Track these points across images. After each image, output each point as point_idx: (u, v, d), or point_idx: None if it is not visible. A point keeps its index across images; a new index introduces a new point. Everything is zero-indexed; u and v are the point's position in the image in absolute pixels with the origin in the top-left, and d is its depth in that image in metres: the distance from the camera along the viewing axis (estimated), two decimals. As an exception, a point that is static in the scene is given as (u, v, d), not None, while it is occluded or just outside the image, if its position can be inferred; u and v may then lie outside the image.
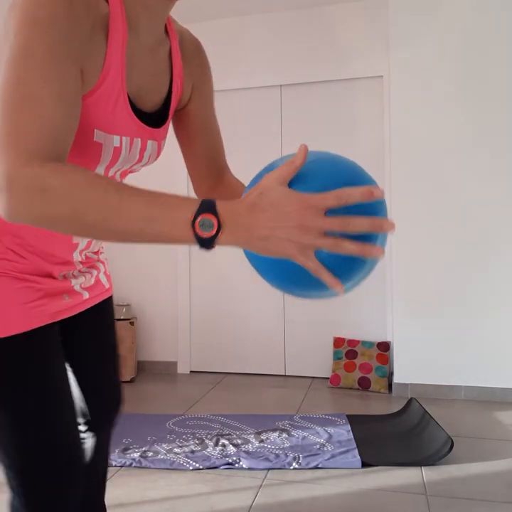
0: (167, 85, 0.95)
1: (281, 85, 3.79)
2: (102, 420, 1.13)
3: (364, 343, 3.54)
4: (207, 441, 2.53)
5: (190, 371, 3.94)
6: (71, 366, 1.07)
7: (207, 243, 0.64)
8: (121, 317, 3.72)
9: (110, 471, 2.27)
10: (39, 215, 0.66)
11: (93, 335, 1.09)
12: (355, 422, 2.80)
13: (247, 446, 2.47)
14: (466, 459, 2.33)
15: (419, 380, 3.27)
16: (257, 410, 3.05)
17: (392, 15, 3.29)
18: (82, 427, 1.11)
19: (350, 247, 0.63)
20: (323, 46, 3.66)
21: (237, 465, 2.28)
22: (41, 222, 0.67)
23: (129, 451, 2.41)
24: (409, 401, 2.93)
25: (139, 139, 0.89)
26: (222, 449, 2.43)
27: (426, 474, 2.20)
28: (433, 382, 3.25)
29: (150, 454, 2.39)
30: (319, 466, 2.27)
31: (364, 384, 3.41)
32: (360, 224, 0.62)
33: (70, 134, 0.71)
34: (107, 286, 1.11)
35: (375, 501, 1.99)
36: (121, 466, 2.30)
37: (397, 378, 3.31)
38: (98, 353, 1.11)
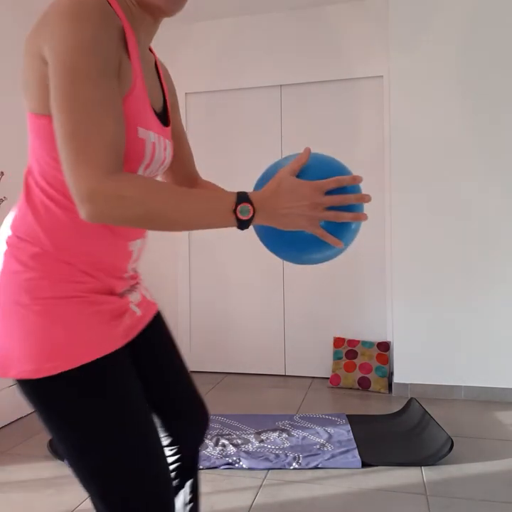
0: (161, 92, 1.07)
1: (281, 85, 3.79)
2: (190, 436, 1.15)
3: (364, 343, 3.54)
4: (207, 441, 2.53)
5: (190, 371, 3.94)
6: (148, 385, 1.09)
7: (245, 224, 0.84)
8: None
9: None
10: (118, 218, 0.80)
11: (160, 350, 1.13)
12: (355, 422, 2.80)
13: (247, 446, 2.47)
14: (466, 459, 2.33)
15: (419, 380, 3.27)
16: (257, 410, 3.05)
17: (392, 15, 3.29)
18: (168, 451, 1.13)
19: (347, 215, 0.86)
20: (323, 46, 3.66)
21: (237, 465, 2.28)
22: (118, 222, 0.81)
23: (129, 451, 2.41)
24: (409, 401, 2.93)
25: (162, 137, 0.99)
26: (222, 449, 2.43)
27: (426, 474, 2.20)
28: (433, 382, 3.25)
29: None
30: (319, 466, 2.27)
31: (364, 384, 3.41)
32: (352, 198, 0.86)
33: (124, 143, 0.83)
34: (152, 299, 1.15)
35: (375, 501, 1.99)
36: (121, 466, 2.30)
37: (397, 378, 3.31)
38: (171, 367, 1.14)
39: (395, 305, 3.33)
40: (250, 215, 0.83)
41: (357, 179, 0.87)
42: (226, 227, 0.85)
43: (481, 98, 3.17)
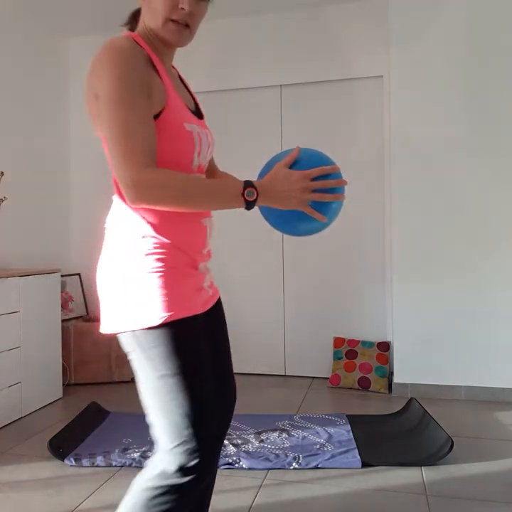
0: (189, 95, 1.34)
1: (281, 85, 3.79)
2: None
3: (364, 343, 3.54)
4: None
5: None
6: None
7: (251, 204, 1.10)
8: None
9: (110, 471, 2.27)
10: (154, 201, 1.06)
11: (217, 329, 1.36)
12: (355, 422, 2.80)
13: (247, 446, 2.47)
14: (466, 459, 2.33)
15: (419, 380, 3.27)
16: (257, 410, 3.05)
17: (392, 15, 3.29)
18: None
19: (329, 196, 1.12)
20: (323, 46, 3.66)
21: (237, 465, 2.28)
22: (154, 204, 1.07)
23: (129, 451, 2.41)
24: (409, 401, 2.93)
25: (201, 128, 1.24)
26: (222, 449, 2.43)
27: (426, 474, 2.20)
28: (433, 382, 3.25)
29: (150, 454, 2.39)
30: (319, 466, 2.27)
31: (364, 384, 3.41)
32: (332, 183, 1.13)
33: (155, 144, 1.09)
34: (216, 286, 1.41)
35: (375, 501, 1.99)
36: (121, 466, 2.30)
37: (397, 378, 3.31)
38: (222, 346, 1.37)
39: (394, 305, 3.33)
40: (254, 196, 1.10)
41: (336, 169, 1.15)
42: (237, 207, 1.11)
43: (481, 97, 3.17)
